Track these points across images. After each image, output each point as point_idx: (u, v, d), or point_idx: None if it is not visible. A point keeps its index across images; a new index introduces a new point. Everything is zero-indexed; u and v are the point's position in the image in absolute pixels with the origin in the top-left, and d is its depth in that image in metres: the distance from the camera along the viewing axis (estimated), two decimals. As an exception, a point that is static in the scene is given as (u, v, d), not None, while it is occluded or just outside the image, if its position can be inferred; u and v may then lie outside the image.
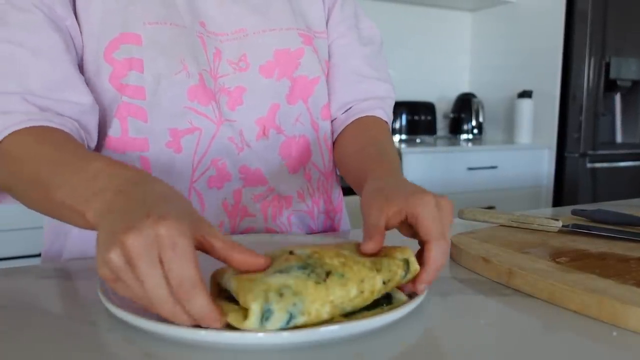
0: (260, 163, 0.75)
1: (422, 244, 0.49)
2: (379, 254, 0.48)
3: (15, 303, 0.50)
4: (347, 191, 0.86)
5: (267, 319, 0.39)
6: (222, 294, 0.44)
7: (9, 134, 0.56)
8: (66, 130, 0.60)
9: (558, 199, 2.65)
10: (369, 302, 0.44)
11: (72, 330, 0.44)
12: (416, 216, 0.48)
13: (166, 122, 0.68)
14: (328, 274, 0.42)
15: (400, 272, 0.46)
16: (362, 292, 0.43)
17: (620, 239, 0.67)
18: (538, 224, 0.71)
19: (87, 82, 0.67)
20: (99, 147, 0.69)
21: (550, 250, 0.62)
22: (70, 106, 0.62)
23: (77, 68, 0.65)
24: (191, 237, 0.38)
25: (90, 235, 0.68)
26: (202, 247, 0.41)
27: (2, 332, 0.44)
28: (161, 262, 0.37)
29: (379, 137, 0.77)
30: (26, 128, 0.57)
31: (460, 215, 0.78)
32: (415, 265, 0.48)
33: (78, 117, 0.63)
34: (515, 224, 0.73)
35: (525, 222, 0.72)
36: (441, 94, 3.06)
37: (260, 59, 0.73)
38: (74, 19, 0.65)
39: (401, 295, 0.48)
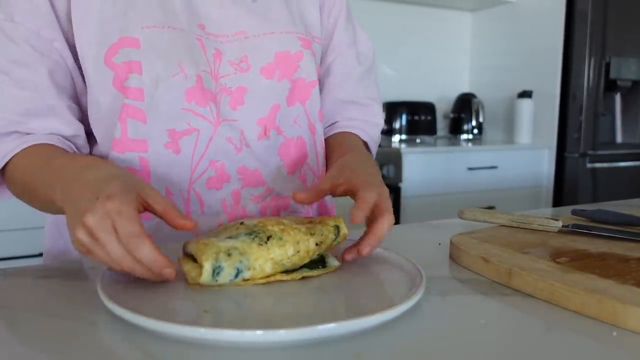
0: (259, 164, 0.75)
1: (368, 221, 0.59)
2: (316, 222, 0.58)
3: (15, 303, 0.50)
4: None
5: (218, 274, 0.50)
6: (189, 258, 0.54)
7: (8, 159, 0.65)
8: (52, 142, 0.66)
9: (558, 199, 2.65)
10: (305, 260, 0.55)
11: (72, 330, 0.44)
12: (356, 195, 0.59)
13: (164, 123, 0.69)
14: (269, 237, 0.53)
15: (331, 236, 0.57)
16: (298, 251, 0.54)
17: (620, 239, 0.67)
18: (538, 224, 0.71)
19: (91, 90, 0.69)
20: (106, 151, 0.71)
21: (550, 250, 0.62)
22: (54, 131, 0.68)
23: (66, 97, 0.69)
24: (134, 204, 0.49)
25: None
26: (148, 210, 0.52)
27: (2, 332, 0.44)
28: (115, 230, 0.47)
29: (356, 144, 0.84)
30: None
31: (460, 215, 0.78)
32: (344, 230, 0.58)
33: (62, 140, 0.69)
34: (515, 224, 0.73)
35: (525, 222, 0.72)
36: (441, 94, 3.06)
37: (261, 60, 0.74)
38: (63, 38, 0.68)
39: (334, 261, 0.58)
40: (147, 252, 0.47)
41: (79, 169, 0.56)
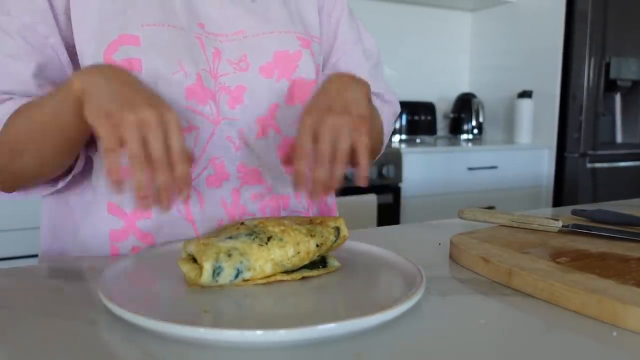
0: (258, 162, 0.75)
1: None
2: (317, 222, 0.58)
3: (15, 303, 0.50)
4: (341, 192, 0.88)
5: (218, 274, 0.50)
6: (189, 259, 0.54)
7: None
8: None
9: (558, 199, 2.65)
10: (305, 261, 0.55)
11: (72, 330, 0.44)
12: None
13: None
14: (269, 238, 0.53)
15: (332, 237, 0.57)
16: (298, 252, 0.54)
17: (620, 239, 0.67)
18: (538, 224, 0.71)
19: None
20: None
21: (550, 250, 0.62)
22: None
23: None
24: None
25: (99, 231, 0.70)
26: None
27: (3, 332, 0.44)
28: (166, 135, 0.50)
29: None
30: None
31: (460, 215, 0.78)
32: (344, 232, 0.58)
33: None
34: (515, 224, 0.73)
35: (525, 222, 0.72)
36: (441, 94, 3.06)
37: (260, 59, 0.74)
38: (59, 34, 0.68)
39: (334, 261, 0.58)
40: (185, 170, 0.51)
41: (112, 72, 0.56)
